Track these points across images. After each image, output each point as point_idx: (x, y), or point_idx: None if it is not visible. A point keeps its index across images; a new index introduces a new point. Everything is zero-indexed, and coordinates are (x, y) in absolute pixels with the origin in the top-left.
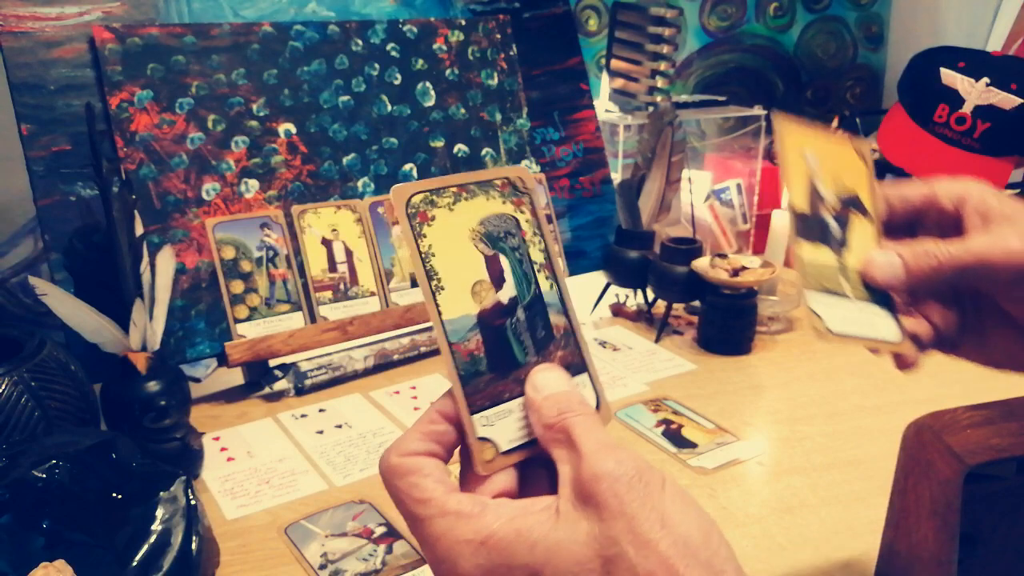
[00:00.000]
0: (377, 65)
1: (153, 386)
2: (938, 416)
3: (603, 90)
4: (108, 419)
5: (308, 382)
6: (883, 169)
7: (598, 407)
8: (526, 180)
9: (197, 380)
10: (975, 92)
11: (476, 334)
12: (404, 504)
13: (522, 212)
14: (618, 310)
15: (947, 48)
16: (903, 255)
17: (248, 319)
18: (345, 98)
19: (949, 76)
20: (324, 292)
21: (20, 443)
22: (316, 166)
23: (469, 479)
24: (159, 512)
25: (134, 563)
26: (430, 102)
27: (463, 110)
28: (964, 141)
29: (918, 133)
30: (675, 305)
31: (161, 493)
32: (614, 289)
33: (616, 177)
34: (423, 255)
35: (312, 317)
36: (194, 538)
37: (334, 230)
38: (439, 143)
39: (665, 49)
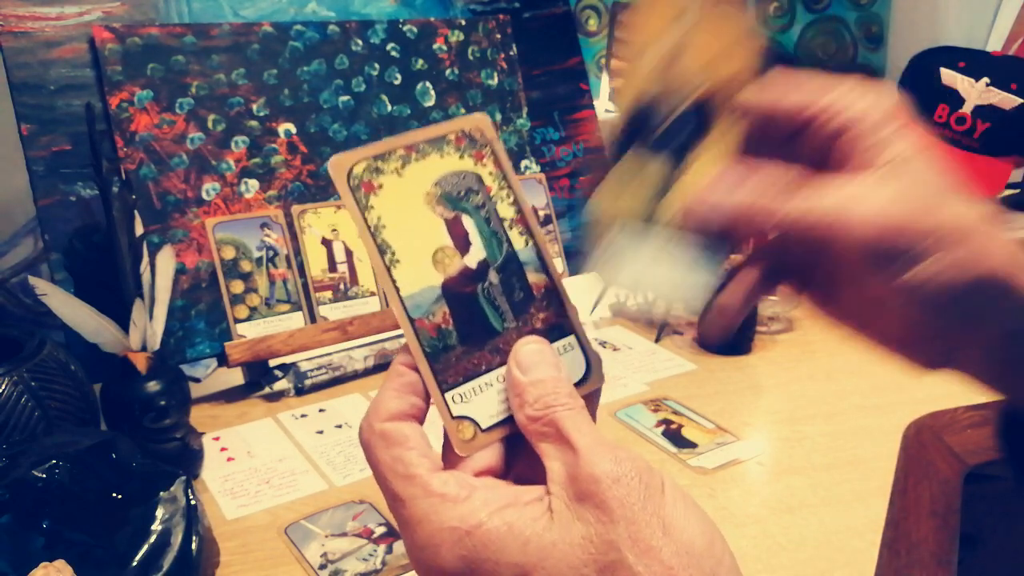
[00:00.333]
0: (377, 65)
1: (153, 386)
2: (938, 416)
3: (603, 90)
4: (108, 419)
5: (308, 382)
6: None
7: (588, 371)
8: (484, 129)
9: (197, 380)
10: (975, 92)
11: (442, 305)
12: (385, 479)
13: (484, 166)
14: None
15: (947, 48)
16: (750, 186)
17: (248, 319)
18: (345, 98)
19: (949, 76)
20: (324, 292)
21: (20, 443)
22: (316, 166)
23: (450, 455)
24: (159, 512)
25: (134, 563)
26: (430, 102)
27: (463, 110)
28: (964, 141)
29: None
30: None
31: (161, 493)
32: (614, 289)
33: None
34: (372, 229)
35: (312, 317)
36: (194, 538)
37: (334, 230)
38: None
39: None
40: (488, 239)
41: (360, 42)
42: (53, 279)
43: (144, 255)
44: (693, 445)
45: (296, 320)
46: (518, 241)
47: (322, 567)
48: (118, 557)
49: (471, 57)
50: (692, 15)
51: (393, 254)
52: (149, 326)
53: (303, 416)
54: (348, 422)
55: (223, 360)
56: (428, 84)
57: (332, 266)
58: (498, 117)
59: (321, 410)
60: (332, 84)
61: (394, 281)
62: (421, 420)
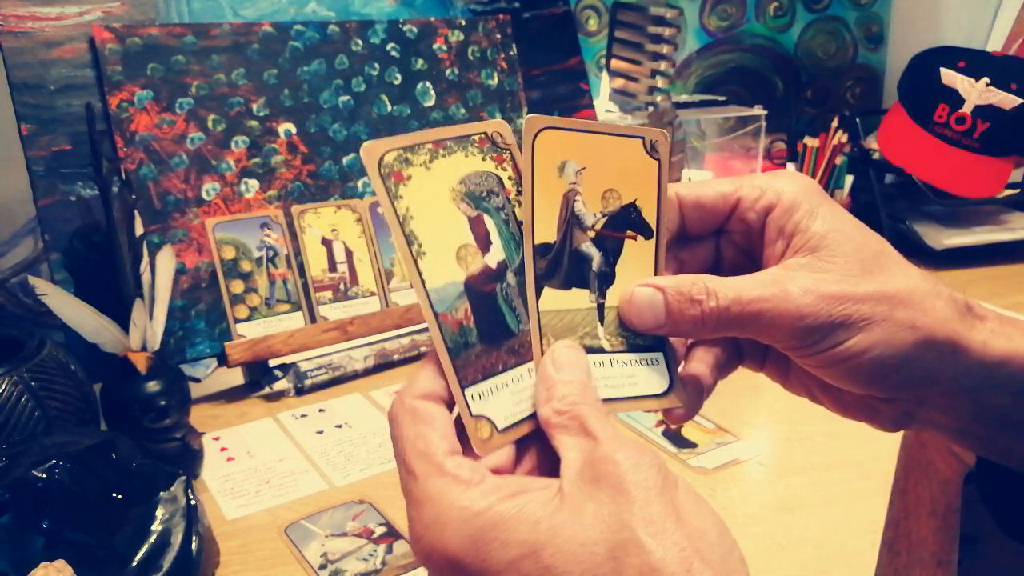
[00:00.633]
0: (377, 65)
1: (153, 386)
2: None
3: (603, 90)
4: (108, 419)
5: (308, 382)
6: (884, 169)
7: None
8: (505, 135)
9: (197, 380)
10: (975, 92)
11: (464, 302)
12: (404, 453)
13: (504, 169)
14: None
15: (947, 48)
16: (667, 294)
17: (248, 319)
18: (345, 98)
19: (949, 76)
20: (324, 292)
21: (20, 443)
22: (316, 166)
23: (465, 451)
24: (159, 512)
25: (134, 563)
26: (430, 102)
27: (463, 110)
28: (964, 141)
29: (918, 133)
30: None
31: (161, 493)
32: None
33: None
34: (400, 219)
35: (312, 317)
36: (194, 538)
37: (334, 230)
38: None
39: (665, 49)
40: (507, 241)
41: (360, 42)
42: (53, 279)
43: (144, 255)
44: (693, 445)
45: (296, 320)
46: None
47: (322, 567)
48: (118, 557)
49: (471, 57)
50: (588, 140)
51: (420, 246)
52: (149, 326)
53: (303, 416)
54: (348, 422)
55: (223, 360)
56: (428, 84)
57: (332, 266)
58: (498, 117)
59: (321, 410)
60: (332, 84)
61: (420, 273)
62: (451, 406)
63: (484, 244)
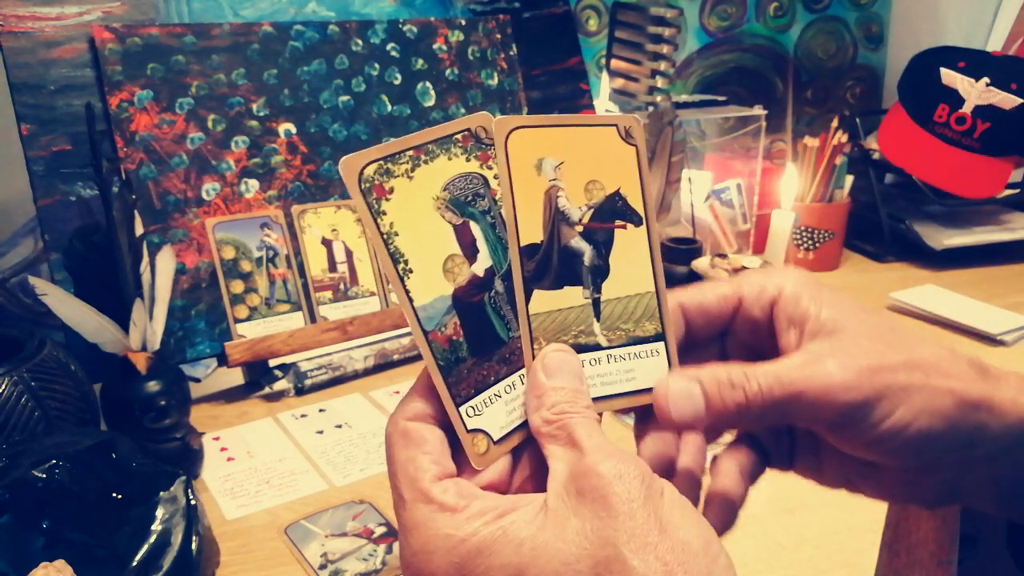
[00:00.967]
0: (377, 65)
1: (153, 386)
2: None
3: (603, 90)
4: (108, 419)
5: (308, 382)
6: (884, 169)
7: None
8: (489, 129)
9: (197, 380)
10: (975, 92)
11: (453, 317)
12: (396, 478)
13: (490, 168)
14: None
15: (947, 48)
16: (704, 384)
17: (248, 319)
18: (345, 98)
19: (949, 76)
20: (324, 292)
21: (20, 443)
22: (316, 166)
23: (463, 464)
24: (159, 512)
25: (134, 563)
26: (430, 102)
27: (463, 110)
28: (964, 141)
29: (918, 133)
30: None
31: (161, 493)
32: None
33: None
34: (385, 236)
35: (312, 317)
36: (194, 538)
37: (334, 230)
38: None
39: (665, 49)
40: (494, 246)
41: (360, 42)
42: (53, 279)
43: (144, 255)
44: None
45: (296, 320)
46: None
47: (322, 567)
48: (118, 557)
49: (471, 57)
50: (561, 136)
51: (406, 263)
52: (149, 326)
53: (303, 416)
54: (348, 422)
55: (223, 360)
56: (428, 84)
57: (332, 266)
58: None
59: (321, 410)
60: (332, 84)
61: (408, 292)
62: (444, 424)
63: (471, 252)
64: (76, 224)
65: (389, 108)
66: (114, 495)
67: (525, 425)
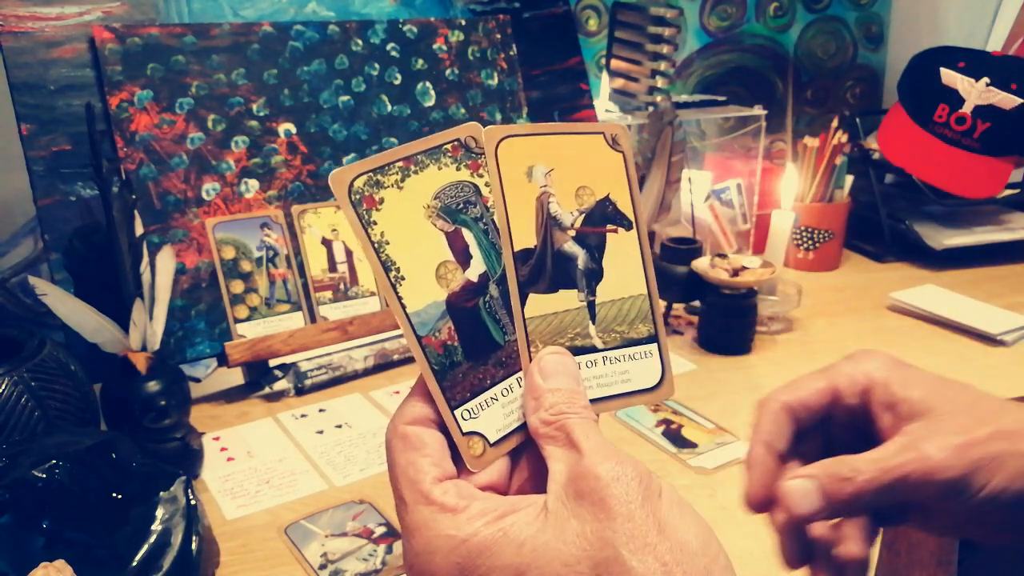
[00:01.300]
0: (377, 65)
1: (153, 386)
2: None
3: (603, 90)
4: (108, 419)
5: (308, 382)
6: (884, 169)
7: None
8: (478, 138)
9: (197, 380)
10: (975, 92)
11: (446, 322)
12: (397, 481)
13: (480, 176)
14: None
15: (947, 48)
16: (819, 479)
17: (248, 319)
18: (345, 98)
19: (949, 76)
20: (324, 292)
21: (20, 443)
22: (316, 166)
23: (460, 467)
24: (159, 512)
25: (134, 563)
26: (430, 102)
27: (463, 110)
28: (964, 141)
29: (918, 133)
30: (675, 305)
31: (161, 493)
32: None
33: None
34: (376, 245)
35: (312, 317)
36: (194, 538)
37: (334, 230)
38: None
39: (665, 49)
40: (487, 252)
41: (360, 42)
42: (53, 279)
43: (144, 255)
44: (693, 445)
45: (296, 320)
46: None
47: (322, 567)
48: (118, 557)
49: (471, 57)
50: (550, 143)
51: (398, 271)
52: (149, 326)
53: (303, 416)
54: (348, 422)
55: (223, 360)
56: (428, 84)
57: (332, 266)
58: (498, 117)
59: (321, 410)
60: (332, 84)
61: (400, 299)
62: (443, 427)
63: (464, 259)
64: (76, 224)
65: (389, 108)
66: (114, 495)
67: (522, 428)
